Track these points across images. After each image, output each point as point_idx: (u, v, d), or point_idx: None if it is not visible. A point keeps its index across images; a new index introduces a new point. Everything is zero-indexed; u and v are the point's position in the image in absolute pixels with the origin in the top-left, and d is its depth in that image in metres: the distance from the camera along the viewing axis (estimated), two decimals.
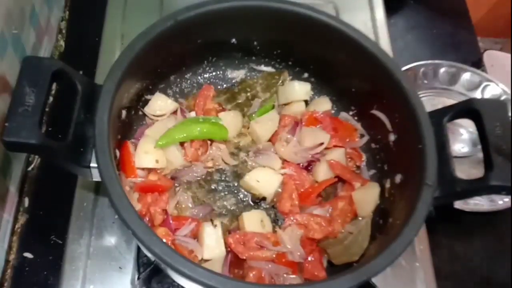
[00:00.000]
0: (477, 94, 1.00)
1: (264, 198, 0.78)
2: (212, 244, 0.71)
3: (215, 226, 0.72)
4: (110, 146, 0.61)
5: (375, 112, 0.79)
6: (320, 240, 0.74)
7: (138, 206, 0.72)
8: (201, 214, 0.76)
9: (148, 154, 0.74)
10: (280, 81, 0.87)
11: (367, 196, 0.75)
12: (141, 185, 0.73)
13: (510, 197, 0.87)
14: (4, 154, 0.77)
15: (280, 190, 0.79)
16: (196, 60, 0.86)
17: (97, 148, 0.60)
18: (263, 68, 0.89)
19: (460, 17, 1.15)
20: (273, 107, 0.85)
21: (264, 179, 0.77)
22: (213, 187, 0.80)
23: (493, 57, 1.08)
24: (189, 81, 0.87)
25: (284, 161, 0.81)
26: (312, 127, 0.82)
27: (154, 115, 0.81)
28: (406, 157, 0.71)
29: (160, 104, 0.81)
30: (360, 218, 0.76)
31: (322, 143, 0.79)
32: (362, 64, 0.76)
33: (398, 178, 0.73)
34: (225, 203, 0.79)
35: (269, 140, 0.83)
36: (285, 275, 0.70)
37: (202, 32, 0.75)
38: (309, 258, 0.72)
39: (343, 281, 0.56)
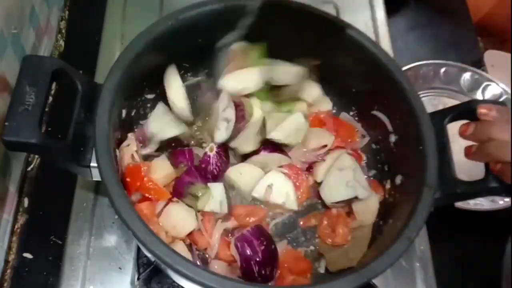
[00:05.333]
0: (478, 94, 0.99)
1: None
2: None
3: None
4: (110, 146, 0.61)
5: (376, 112, 0.79)
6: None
7: None
8: None
9: None
10: None
11: (367, 207, 0.75)
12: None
13: (510, 198, 0.87)
14: (4, 154, 0.76)
15: None
16: (196, 60, 0.85)
17: (97, 148, 0.60)
18: None
19: (460, 17, 1.15)
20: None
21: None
22: None
23: (493, 57, 1.08)
24: (189, 81, 0.87)
25: None
26: (317, 128, 0.81)
27: None
28: (407, 158, 0.71)
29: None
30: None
31: (326, 145, 0.79)
32: (362, 64, 0.76)
33: (398, 179, 0.73)
34: None
35: None
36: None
37: (203, 31, 0.75)
38: None
39: (343, 282, 0.56)
